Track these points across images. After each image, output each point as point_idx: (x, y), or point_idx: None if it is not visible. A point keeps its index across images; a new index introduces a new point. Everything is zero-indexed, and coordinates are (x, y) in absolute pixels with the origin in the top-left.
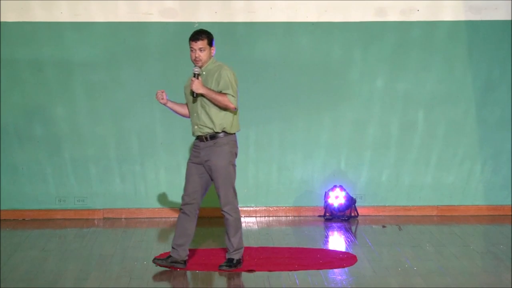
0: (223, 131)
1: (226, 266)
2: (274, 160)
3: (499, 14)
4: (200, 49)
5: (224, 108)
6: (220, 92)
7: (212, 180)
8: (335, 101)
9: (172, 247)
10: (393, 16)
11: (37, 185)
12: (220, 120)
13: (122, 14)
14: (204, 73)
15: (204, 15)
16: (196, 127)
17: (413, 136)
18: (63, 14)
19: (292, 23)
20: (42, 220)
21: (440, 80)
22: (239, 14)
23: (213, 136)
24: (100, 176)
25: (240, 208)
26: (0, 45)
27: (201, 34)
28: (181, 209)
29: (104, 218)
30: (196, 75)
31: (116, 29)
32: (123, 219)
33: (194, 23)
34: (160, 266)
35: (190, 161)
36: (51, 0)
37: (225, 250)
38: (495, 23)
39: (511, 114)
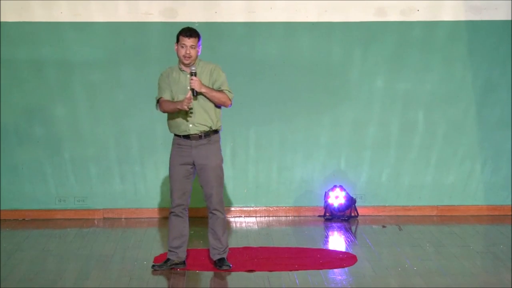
0: (216, 129)
1: (225, 265)
2: (274, 160)
3: (499, 14)
4: (192, 46)
5: (220, 105)
6: (218, 90)
7: (200, 177)
8: (335, 101)
9: (170, 250)
10: (393, 16)
11: (37, 185)
12: (217, 118)
13: (122, 14)
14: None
15: (204, 15)
16: (191, 125)
17: (413, 136)
18: (63, 14)
19: (292, 23)
20: (42, 220)
21: (440, 80)
22: (239, 14)
23: (207, 134)
24: (100, 176)
25: (240, 208)
26: (0, 45)
27: (194, 31)
28: (172, 212)
29: (104, 218)
30: (194, 74)
31: (116, 29)
32: (123, 219)
33: (194, 23)
34: (161, 271)
35: (176, 163)
36: (51, 0)
37: None
38: (495, 23)
39: (511, 114)
